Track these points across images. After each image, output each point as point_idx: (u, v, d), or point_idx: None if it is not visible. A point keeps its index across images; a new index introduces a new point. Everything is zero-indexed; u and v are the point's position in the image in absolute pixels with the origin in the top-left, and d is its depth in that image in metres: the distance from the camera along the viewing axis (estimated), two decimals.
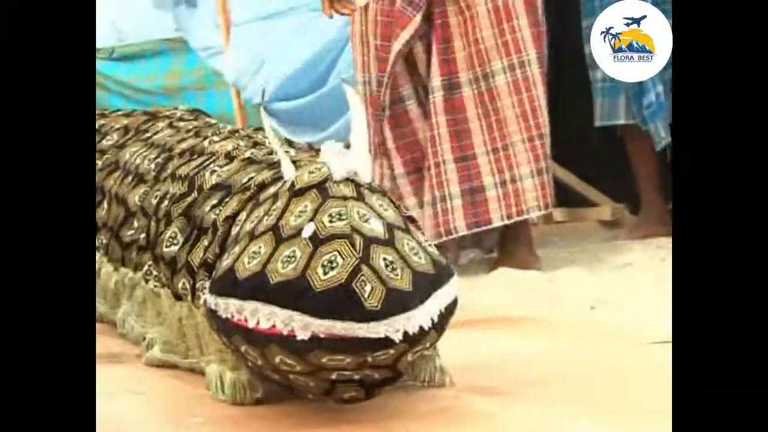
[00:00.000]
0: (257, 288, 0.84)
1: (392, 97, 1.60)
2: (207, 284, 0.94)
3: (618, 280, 1.44)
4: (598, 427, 0.80)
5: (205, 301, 0.91)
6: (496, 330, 0.89)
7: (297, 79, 2.18)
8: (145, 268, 1.16)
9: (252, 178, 1.04)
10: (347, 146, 0.92)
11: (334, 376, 0.85)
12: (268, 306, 0.82)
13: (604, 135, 1.75)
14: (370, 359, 0.82)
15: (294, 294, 0.82)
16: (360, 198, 0.88)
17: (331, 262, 0.81)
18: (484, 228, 1.59)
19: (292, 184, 0.91)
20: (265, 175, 1.02)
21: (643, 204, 1.80)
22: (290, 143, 1.24)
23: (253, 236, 0.89)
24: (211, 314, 0.90)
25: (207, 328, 0.98)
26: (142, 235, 1.19)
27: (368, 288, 0.80)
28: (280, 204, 0.90)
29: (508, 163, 1.62)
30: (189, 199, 1.12)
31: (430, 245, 0.92)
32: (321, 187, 0.88)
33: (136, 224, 1.22)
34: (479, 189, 1.60)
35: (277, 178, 0.99)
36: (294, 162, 0.96)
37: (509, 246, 1.68)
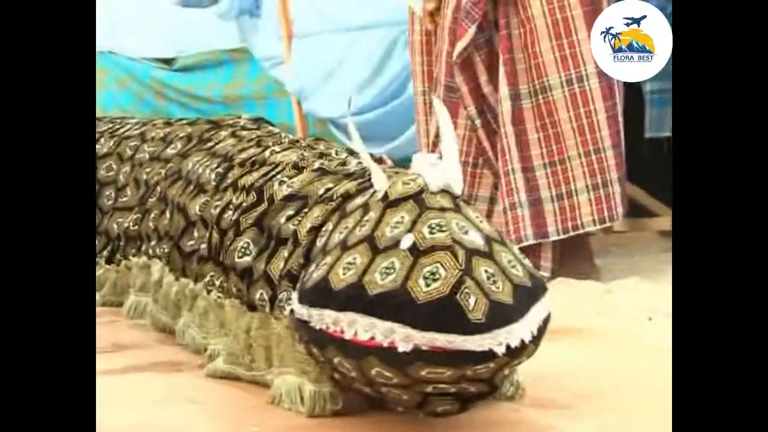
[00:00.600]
0: (355, 299, 0.84)
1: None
2: (292, 295, 0.93)
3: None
4: None
5: (291, 312, 0.91)
6: (554, 341, 0.84)
7: (363, 93, 2.21)
8: (207, 278, 1.16)
9: (330, 188, 1.05)
10: (439, 157, 0.94)
11: (429, 389, 0.85)
12: (367, 317, 0.82)
13: (658, 144, 1.76)
14: (470, 372, 0.82)
15: (395, 306, 0.81)
16: (458, 209, 0.88)
17: (433, 273, 0.80)
18: (544, 240, 1.60)
19: (386, 195, 0.91)
20: (348, 186, 1.03)
21: None
22: (352, 153, 1.23)
23: (346, 247, 0.89)
24: (302, 325, 0.90)
25: (283, 340, 0.98)
26: (203, 245, 1.20)
27: (472, 300, 0.80)
28: (373, 215, 0.90)
29: (564, 177, 1.63)
30: (259, 209, 1.12)
31: (521, 255, 0.92)
32: (417, 198, 0.88)
33: (196, 234, 1.23)
34: (539, 201, 1.62)
35: (362, 188, 1.00)
36: (357, 174, 1.00)
37: (568, 257, 1.68)
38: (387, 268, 0.84)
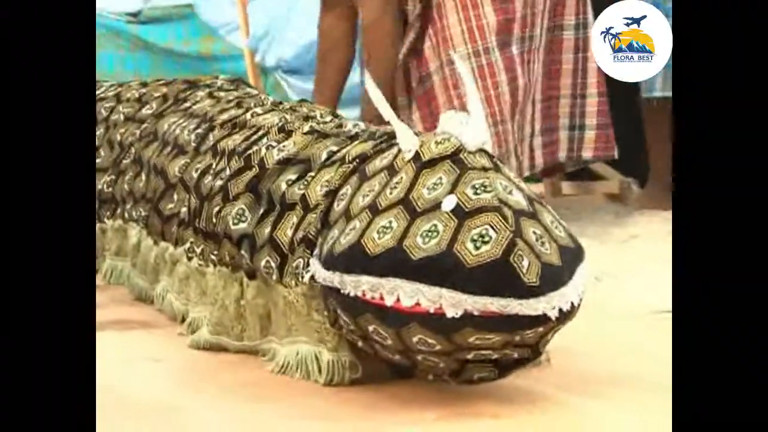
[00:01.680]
0: (397, 264, 0.80)
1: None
2: (311, 261, 0.90)
3: (624, 252, 1.45)
4: (593, 397, 0.82)
5: (312, 278, 0.88)
6: None
7: (307, 53, 2.30)
8: (187, 244, 1.12)
9: (335, 151, 1.00)
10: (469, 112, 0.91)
11: (471, 356, 0.82)
12: (411, 283, 0.78)
13: (624, 109, 1.79)
14: (518, 338, 0.80)
15: (442, 270, 0.78)
16: (498, 169, 0.85)
17: (482, 236, 0.77)
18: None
19: (417, 156, 0.86)
20: (363, 147, 0.99)
21: (651, 178, 1.85)
22: (335, 115, 1.21)
23: (377, 210, 0.85)
24: (330, 292, 0.86)
25: (294, 308, 0.94)
26: (183, 209, 1.16)
27: (525, 263, 0.77)
28: (404, 176, 0.86)
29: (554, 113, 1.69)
30: (250, 174, 1.06)
31: (559, 216, 0.90)
32: (455, 158, 0.84)
33: (175, 197, 1.19)
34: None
35: (379, 150, 0.96)
36: (353, 135, 0.97)
37: None
38: (429, 231, 0.79)
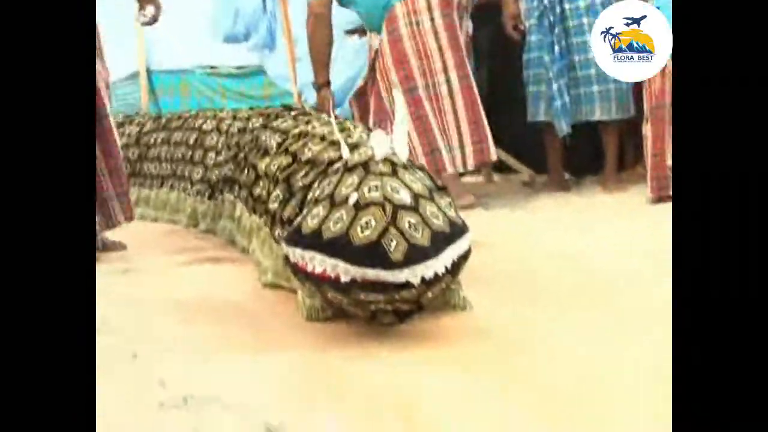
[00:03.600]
0: (314, 241, 0.99)
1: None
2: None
3: (532, 217, 2.07)
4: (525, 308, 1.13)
5: (282, 247, 1.08)
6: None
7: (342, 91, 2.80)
8: (264, 218, 1.42)
9: (328, 155, 1.24)
10: (390, 131, 1.09)
11: (373, 308, 1.00)
12: (320, 255, 0.98)
13: (530, 126, 2.46)
14: (397, 297, 0.96)
15: (339, 247, 0.96)
16: (394, 174, 1.03)
17: (367, 223, 0.97)
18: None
19: (346, 163, 1.06)
20: (335, 154, 1.20)
21: (549, 171, 2.53)
22: (370, 130, 1.46)
23: (317, 201, 1.05)
24: (285, 259, 1.06)
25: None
26: (264, 192, 1.45)
27: (393, 244, 0.94)
28: (336, 178, 1.06)
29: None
30: (290, 169, 1.33)
31: (450, 209, 1.07)
32: (365, 165, 1.03)
33: (261, 185, 1.48)
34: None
35: (340, 157, 1.15)
36: (355, 146, 1.15)
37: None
38: (338, 218, 0.98)
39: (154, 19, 1.72)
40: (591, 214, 2.04)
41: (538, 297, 1.22)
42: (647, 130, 1.97)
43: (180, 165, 2.17)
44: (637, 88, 2.20)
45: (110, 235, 1.82)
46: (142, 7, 1.68)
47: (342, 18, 2.61)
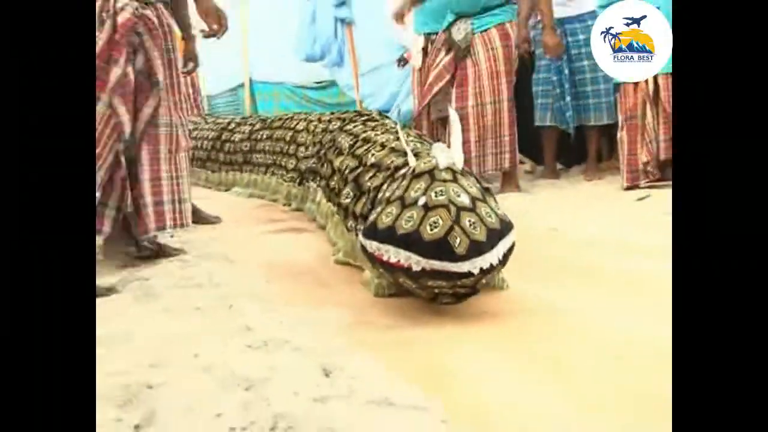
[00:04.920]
0: (390, 236, 0.95)
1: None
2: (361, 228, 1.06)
3: (534, 198, 2.01)
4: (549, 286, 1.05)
5: (359, 239, 1.04)
6: None
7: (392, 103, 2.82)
8: (336, 207, 1.40)
9: (392, 161, 1.19)
10: (449, 146, 1.05)
11: (437, 291, 0.96)
12: (395, 248, 0.94)
13: (531, 129, 2.41)
14: (458, 284, 0.93)
15: (411, 242, 0.92)
16: (455, 180, 0.98)
17: (435, 222, 0.93)
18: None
19: (413, 170, 1.02)
20: (399, 161, 1.17)
21: (545, 163, 2.51)
22: (420, 136, 1.47)
23: (388, 202, 1.01)
24: (362, 248, 1.01)
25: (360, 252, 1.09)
26: (337, 186, 1.44)
27: (458, 240, 0.91)
28: (405, 182, 1.01)
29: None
30: (357, 171, 1.29)
31: (499, 209, 1.02)
32: (431, 173, 0.99)
33: (335, 178, 1.47)
34: None
35: (405, 163, 1.12)
36: (416, 154, 1.11)
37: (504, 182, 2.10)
38: (409, 217, 0.94)
39: (213, 34, 1.58)
40: (577, 197, 2.00)
41: (551, 274, 1.16)
42: (623, 135, 1.98)
43: (279, 156, 2.26)
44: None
45: (205, 208, 1.84)
46: (208, 25, 1.53)
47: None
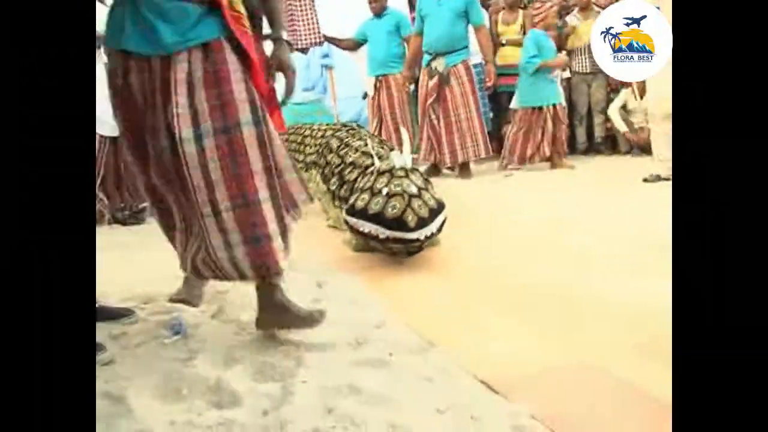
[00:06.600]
0: (363, 214, 1.34)
1: None
2: (344, 208, 1.42)
3: (503, 184, 2.49)
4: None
5: (343, 215, 1.42)
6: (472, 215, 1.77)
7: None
8: (328, 189, 1.76)
9: (363, 161, 1.60)
10: (401, 152, 1.48)
11: (396, 251, 1.35)
12: (368, 223, 1.34)
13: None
14: (410, 246, 1.32)
15: (379, 219, 1.32)
16: (407, 176, 1.38)
17: (394, 206, 1.34)
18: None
19: (378, 169, 1.42)
20: (368, 161, 1.56)
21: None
22: (382, 142, 1.88)
23: (362, 190, 1.40)
24: (345, 221, 1.41)
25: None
26: (329, 174, 1.78)
27: (410, 217, 1.31)
28: (373, 177, 1.41)
29: None
30: (341, 166, 1.67)
31: (435, 193, 1.40)
32: (391, 171, 1.40)
33: (327, 168, 1.78)
34: None
35: (373, 163, 1.50)
36: (380, 158, 1.51)
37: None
38: (376, 202, 1.35)
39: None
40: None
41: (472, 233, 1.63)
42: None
43: (294, 153, 2.74)
44: None
45: None
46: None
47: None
